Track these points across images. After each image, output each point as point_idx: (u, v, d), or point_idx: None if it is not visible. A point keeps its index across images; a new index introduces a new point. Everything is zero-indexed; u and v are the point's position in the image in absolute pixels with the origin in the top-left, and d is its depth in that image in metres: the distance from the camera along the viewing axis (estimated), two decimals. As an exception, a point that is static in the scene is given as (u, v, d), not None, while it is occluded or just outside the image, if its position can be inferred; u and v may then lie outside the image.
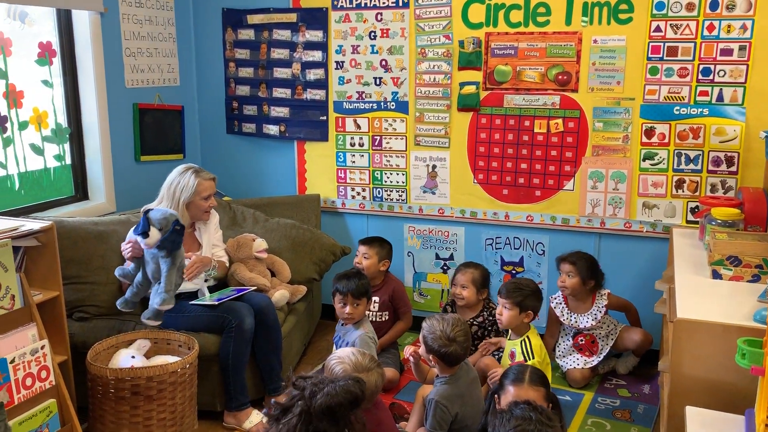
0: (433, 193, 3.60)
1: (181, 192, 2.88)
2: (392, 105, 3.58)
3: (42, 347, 2.31)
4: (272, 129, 3.84)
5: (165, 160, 3.76)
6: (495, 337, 3.10)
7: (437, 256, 3.68)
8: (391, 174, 3.66)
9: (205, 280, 2.97)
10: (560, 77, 3.24)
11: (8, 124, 2.98)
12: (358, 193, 3.75)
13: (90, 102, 3.31)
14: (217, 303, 2.78)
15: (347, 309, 2.79)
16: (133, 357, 2.58)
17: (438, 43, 3.43)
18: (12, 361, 2.20)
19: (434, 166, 3.57)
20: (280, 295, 3.03)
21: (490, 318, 3.13)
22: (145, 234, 2.54)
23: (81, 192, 3.40)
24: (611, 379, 3.19)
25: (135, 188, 3.55)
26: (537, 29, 3.24)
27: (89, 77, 3.29)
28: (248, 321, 2.75)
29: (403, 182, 3.65)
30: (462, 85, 3.42)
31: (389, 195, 3.69)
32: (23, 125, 3.06)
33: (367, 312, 2.98)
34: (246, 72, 3.84)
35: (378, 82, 3.58)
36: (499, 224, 3.50)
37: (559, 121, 3.29)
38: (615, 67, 3.15)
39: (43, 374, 2.31)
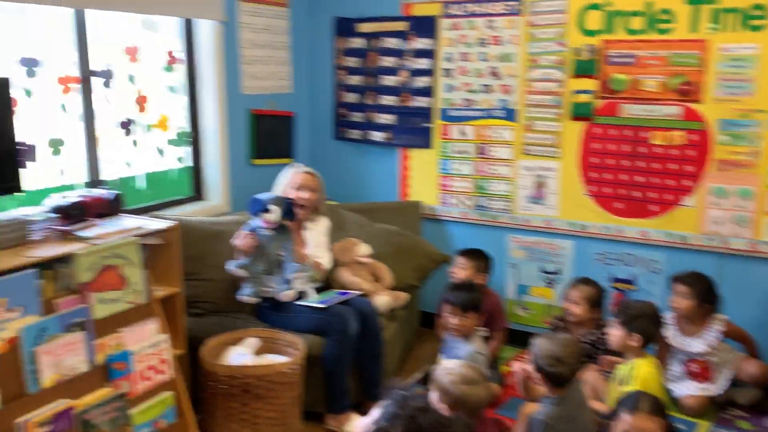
0: (541, 204, 3.51)
1: (280, 183, 3.07)
2: (500, 113, 3.53)
3: (162, 341, 2.43)
4: (377, 136, 3.88)
5: (276, 164, 3.87)
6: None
7: (542, 270, 3.58)
8: (496, 183, 3.61)
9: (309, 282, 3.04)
10: (683, 87, 3.07)
11: (136, 127, 3.17)
12: (461, 202, 3.72)
13: (209, 107, 3.47)
14: (322, 306, 2.84)
15: (455, 321, 2.77)
16: (243, 354, 2.67)
17: (551, 51, 3.34)
18: (135, 353, 2.33)
19: (542, 177, 3.48)
20: (382, 300, 3.05)
21: (602, 337, 3.01)
22: (265, 210, 2.68)
23: (198, 192, 3.56)
24: (730, 410, 2.99)
25: (248, 190, 3.64)
26: (659, 36, 3.09)
27: (209, 84, 3.45)
28: (353, 326, 2.79)
29: (508, 192, 3.58)
30: (575, 93, 3.31)
31: (493, 204, 3.63)
32: (149, 128, 3.25)
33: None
34: (354, 79, 3.90)
35: (486, 90, 3.54)
36: (611, 239, 3.36)
37: (681, 132, 3.12)
38: (745, 77, 2.95)
39: (163, 367, 2.43)
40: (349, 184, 4.05)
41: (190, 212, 3.34)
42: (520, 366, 2.57)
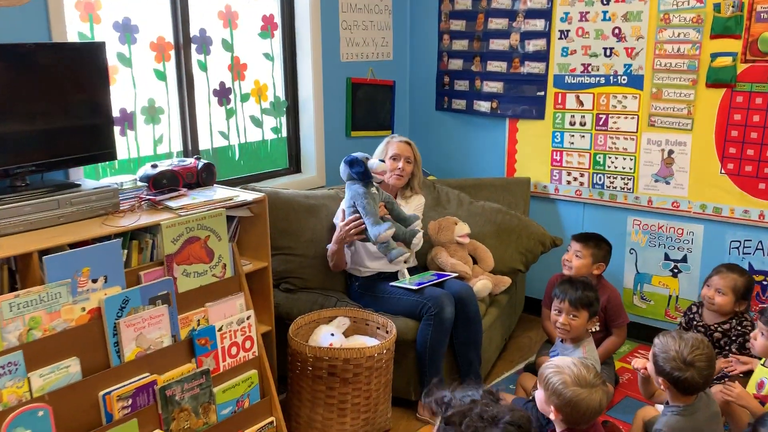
0: (667, 183, 3.10)
1: (378, 150, 2.90)
2: (623, 79, 3.14)
3: (248, 317, 2.33)
4: (483, 105, 3.59)
5: (374, 136, 3.70)
6: (738, 352, 2.58)
7: (666, 257, 3.19)
8: (616, 158, 3.23)
9: (404, 261, 2.84)
10: None
11: (231, 96, 3.08)
12: (575, 179, 3.37)
13: (306, 76, 3.33)
14: (416, 288, 2.64)
15: (561, 318, 2.46)
16: (332, 335, 2.53)
17: (686, 7, 2.91)
18: (220, 329, 2.24)
19: (671, 152, 3.07)
20: (482, 285, 2.80)
21: (739, 328, 2.61)
22: (363, 167, 2.59)
23: (294, 164, 3.45)
24: None
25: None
26: (825, -16, 2.59)
27: (307, 51, 3.30)
28: (448, 310, 2.57)
29: (630, 169, 3.20)
30: (714, 56, 2.87)
31: (612, 182, 3.26)
32: (245, 97, 3.15)
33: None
34: (460, 44, 3.63)
35: (608, 53, 3.15)
36: (751, 224, 2.91)
37: None
38: None
39: (248, 344, 2.33)
40: (450, 158, 3.80)
41: (284, 185, 3.23)
42: (641, 364, 2.25)
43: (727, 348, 2.61)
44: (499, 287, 2.90)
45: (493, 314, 2.91)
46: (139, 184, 2.41)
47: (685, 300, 3.12)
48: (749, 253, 2.96)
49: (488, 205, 3.23)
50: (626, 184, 3.22)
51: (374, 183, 2.64)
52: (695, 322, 2.73)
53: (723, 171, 2.94)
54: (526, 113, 3.46)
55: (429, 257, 2.95)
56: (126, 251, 2.12)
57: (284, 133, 3.40)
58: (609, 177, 3.27)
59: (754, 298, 2.96)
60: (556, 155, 3.41)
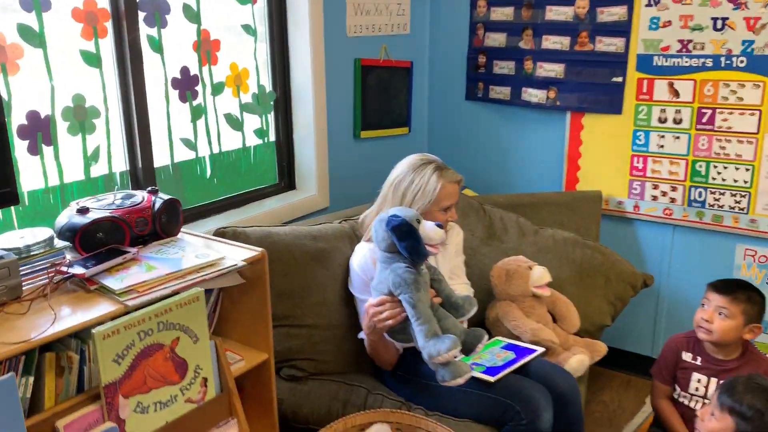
0: (800, 202, 2.30)
1: (416, 196, 1.86)
2: (741, 62, 2.30)
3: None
4: (536, 95, 2.71)
5: (386, 136, 2.79)
6: None
7: (795, 299, 2.40)
8: (725, 168, 2.41)
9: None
10: None
11: (199, 87, 2.12)
12: (664, 194, 2.54)
13: (302, 56, 2.39)
14: (494, 379, 1.76)
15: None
16: (369, 459, 1.65)
17: None
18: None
19: (808, 160, 2.26)
20: (578, 362, 1.95)
21: None
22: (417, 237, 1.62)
23: (287, 179, 2.52)
24: None
25: (352, 176, 2.63)
26: None
27: (302, 22, 2.35)
28: (546, 417, 1.71)
29: (745, 182, 2.38)
30: None
31: (718, 200, 2.44)
32: (218, 89, 2.19)
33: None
34: (503, 13, 2.72)
35: (719, 26, 2.31)
36: None
37: None
38: None
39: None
40: (488, 164, 2.92)
41: (275, 212, 2.31)
42: None
43: None
44: (594, 358, 2.05)
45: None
46: (58, 243, 1.46)
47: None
48: None
49: (559, 234, 2.37)
50: (738, 202, 2.41)
51: (429, 266, 1.74)
52: None
53: None
54: (597, 106, 2.59)
55: (491, 316, 2.08)
56: (30, 381, 1.19)
57: (272, 137, 2.46)
58: (713, 193, 2.44)
59: None
60: (638, 162, 2.57)
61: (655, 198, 2.56)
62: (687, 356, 2.01)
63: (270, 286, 1.61)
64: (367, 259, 1.87)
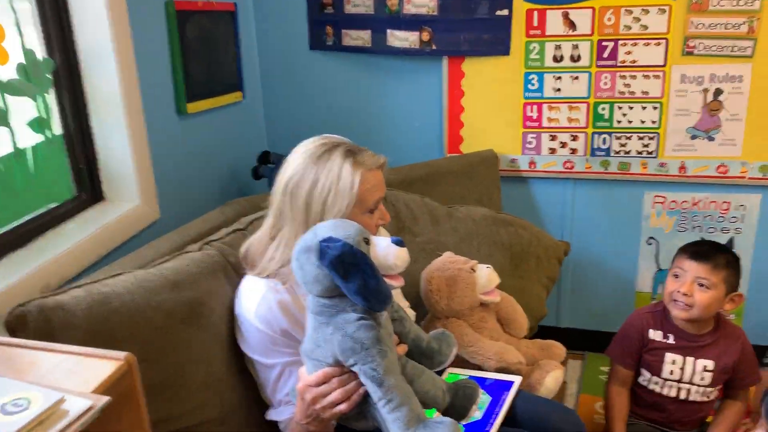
0: (711, 140, 2.08)
1: (327, 201, 1.22)
2: (643, -17, 1.98)
3: None
4: (405, 38, 2.16)
5: (218, 107, 2.07)
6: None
7: (707, 244, 2.22)
8: (631, 109, 2.11)
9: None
10: None
11: None
12: (564, 144, 2.19)
13: (89, 3, 1.56)
14: (484, 442, 1.25)
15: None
16: None
17: None
18: None
19: (718, 92, 2.03)
20: (554, 381, 1.52)
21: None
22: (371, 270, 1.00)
23: (89, 188, 1.69)
24: None
25: (186, 168, 1.89)
26: None
27: (79, -55, 1.51)
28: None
29: (653, 122, 2.11)
30: (795, -63, 1.84)
31: (624, 145, 2.15)
32: (-48, 60, 1.30)
33: (693, 387, 1.58)
34: (350, -66, 2.11)
35: (617, -59, 1.96)
36: (836, 188, 2.05)
37: None
38: None
39: None
40: (349, 132, 2.30)
41: (84, 245, 1.51)
42: None
43: None
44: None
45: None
46: None
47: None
48: (827, 227, 2.12)
49: (474, 211, 1.89)
50: (646, 145, 2.14)
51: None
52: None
53: (799, 115, 2.00)
54: (479, 47, 2.13)
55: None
56: None
57: (58, 129, 1.61)
58: (619, 138, 2.15)
59: (828, 285, 2.16)
60: (532, 111, 2.17)
61: (553, 151, 2.20)
62: (656, 335, 1.70)
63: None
64: (271, 305, 1.22)
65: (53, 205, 1.60)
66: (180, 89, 1.85)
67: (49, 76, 1.55)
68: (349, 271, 1.00)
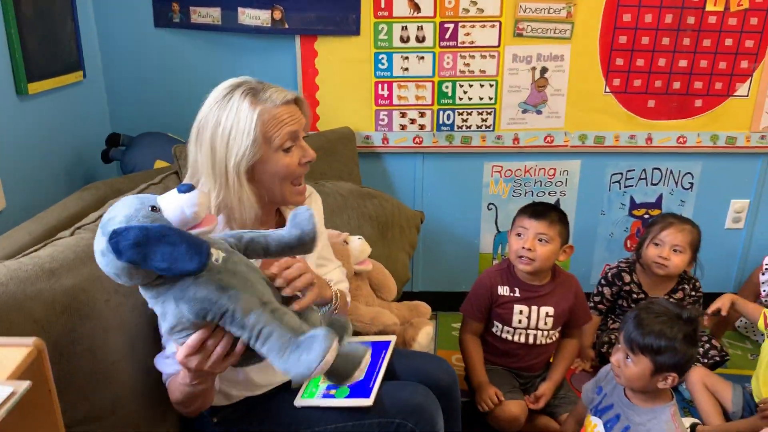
0: (539, 113, 2.34)
1: (230, 144, 1.23)
2: (478, -30, 2.16)
3: None
4: (257, 16, 2.16)
5: (58, 88, 1.94)
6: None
7: (538, 206, 2.50)
8: (471, 86, 2.30)
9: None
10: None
11: None
12: (413, 121, 2.34)
13: None
14: (371, 401, 1.34)
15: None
16: None
17: None
18: None
19: (544, 70, 2.28)
20: (426, 336, 1.66)
21: (693, 294, 2.13)
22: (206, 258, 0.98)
23: None
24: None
25: (29, 152, 1.76)
26: None
27: None
28: (440, 423, 1.38)
29: (490, 98, 2.31)
30: (601, -65, 2.12)
31: (466, 120, 2.34)
32: None
33: (539, 332, 1.82)
34: None
35: (454, -70, 2.11)
36: (636, 152, 2.40)
37: (756, -8, 2.20)
38: None
39: None
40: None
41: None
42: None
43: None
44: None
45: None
46: None
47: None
48: (631, 185, 2.47)
49: (340, 186, 1.97)
50: (485, 120, 2.35)
51: (224, 246, 1.08)
52: (634, 295, 2.15)
53: (608, 89, 2.31)
54: (331, 26, 2.20)
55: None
56: None
57: None
58: (461, 114, 2.33)
59: (634, 235, 2.54)
60: (383, 89, 2.29)
61: (404, 127, 2.34)
62: (503, 290, 1.91)
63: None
64: None
65: None
66: (20, 68, 1.71)
67: None
68: (151, 252, 0.94)
